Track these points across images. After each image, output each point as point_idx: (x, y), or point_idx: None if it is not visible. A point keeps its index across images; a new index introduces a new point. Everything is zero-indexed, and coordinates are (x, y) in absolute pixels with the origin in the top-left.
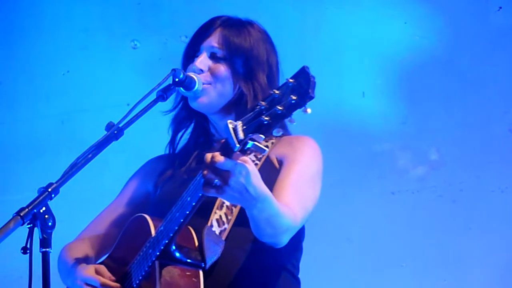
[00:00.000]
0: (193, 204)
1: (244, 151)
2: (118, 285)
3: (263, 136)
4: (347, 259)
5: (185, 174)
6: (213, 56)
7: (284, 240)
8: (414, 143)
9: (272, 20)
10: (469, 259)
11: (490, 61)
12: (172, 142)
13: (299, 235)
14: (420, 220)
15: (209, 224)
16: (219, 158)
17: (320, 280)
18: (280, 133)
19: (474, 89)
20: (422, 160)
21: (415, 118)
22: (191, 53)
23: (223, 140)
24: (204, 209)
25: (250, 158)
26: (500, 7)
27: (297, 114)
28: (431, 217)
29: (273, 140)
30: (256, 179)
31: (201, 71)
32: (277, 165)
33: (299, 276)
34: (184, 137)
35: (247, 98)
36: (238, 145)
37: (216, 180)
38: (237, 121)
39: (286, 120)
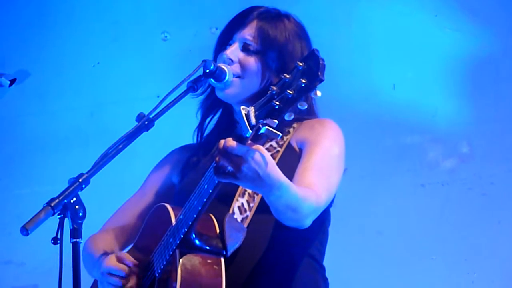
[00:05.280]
0: (210, 191)
1: (258, 136)
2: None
3: (276, 121)
4: (377, 251)
5: (208, 162)
6: (245, 48)
7: (307, 222)
8: (445, 136)
9: (304, 12)
10: (499, 253)
11: None
12: (200, 127)
13: (323, 219)
14: (450, 212)
15: (230, 211)
16: (232, 143)
17: (350, 272)
18: (292, 117)
19: (505, 82)
20: (452, 153)
21: (446, 111)
22: (224, 41)
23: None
24: (226, 197)
25: (271, 145)
26: None
27: (327, 103)
28: (461, 210)
29: (294, 125)
30: (271, 166)
31: (231, 61)
32: (298, 150)
33: (324, 263)
34: (212, 122)
35: None
36: (250, 131)
37: (229, 167)
38: (250, 107)
39: (298, 104)
